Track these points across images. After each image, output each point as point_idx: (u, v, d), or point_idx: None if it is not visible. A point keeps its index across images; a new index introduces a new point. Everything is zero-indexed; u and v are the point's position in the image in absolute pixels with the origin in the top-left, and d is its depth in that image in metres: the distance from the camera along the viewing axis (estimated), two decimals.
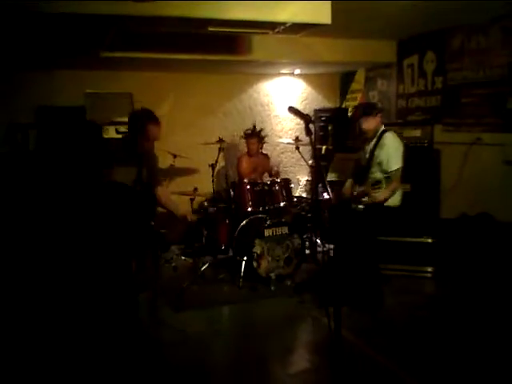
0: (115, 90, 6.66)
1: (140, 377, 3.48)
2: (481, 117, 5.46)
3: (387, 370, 3.51)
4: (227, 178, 6.29)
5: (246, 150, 6.59)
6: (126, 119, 5.99)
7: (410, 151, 4.95)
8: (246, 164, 6.52)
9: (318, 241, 6.27)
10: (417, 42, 6.33)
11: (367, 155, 4.68)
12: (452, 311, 4.42)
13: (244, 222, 5.62)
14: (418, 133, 5.92)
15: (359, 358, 3.64)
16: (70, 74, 6.39)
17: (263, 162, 6.67)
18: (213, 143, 6.18)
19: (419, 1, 4.51)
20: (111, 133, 5.77)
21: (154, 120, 3.96)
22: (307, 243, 5.97)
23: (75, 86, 6.42)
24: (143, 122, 3.89)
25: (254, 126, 6.54)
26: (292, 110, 2.69)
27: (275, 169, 6.63)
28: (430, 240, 5.40)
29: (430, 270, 5.37)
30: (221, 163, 6.68)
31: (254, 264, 5.30)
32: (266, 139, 6.71)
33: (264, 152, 6.79)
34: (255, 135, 6.45)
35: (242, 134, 6.58)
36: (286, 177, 6.33)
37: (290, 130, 7.89)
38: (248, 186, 5.70)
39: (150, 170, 4.17)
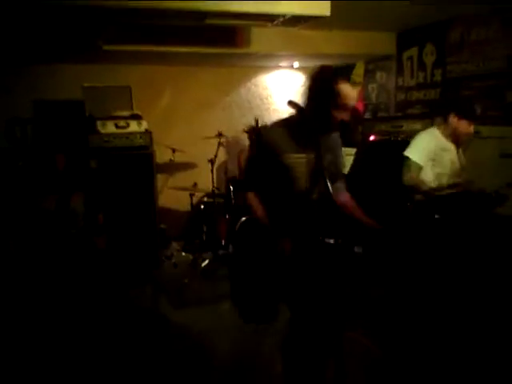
0: (114, 83, 6.63)
1: (139, 372, 3.48)
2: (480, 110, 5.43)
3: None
4: (227, 172, 6.27)
5: (246, 144, 6.57)
6: (125, 113, 6.02)
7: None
8: (245, 159, 6.48)
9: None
10: (416, 34, 6.28)
11: (455, 157, 4.26)
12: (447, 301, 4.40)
13: (244, 217, 5.59)
14: (418, 126, 5.91)
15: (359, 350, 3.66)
16: (69, 68, 6.34)
17: None
18: (212, 137, 6.15)
19: None
20: (110, 127, 5.72)
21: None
22: None
23: (74, 80, 6.38)
24: (331, 80, 2.67)
25: (257, 121, 6.50)
26: (291, 103, 2.66)
27: None
28: None
29: None
30: (220, 158, 6.66)
31: None
32: None
33: None
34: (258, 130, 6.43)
35: (244, 128, 6.56)
36: None
37: None
38: None
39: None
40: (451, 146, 4.17)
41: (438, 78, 6.02)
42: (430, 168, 4.15)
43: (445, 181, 4.16)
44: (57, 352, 3.69)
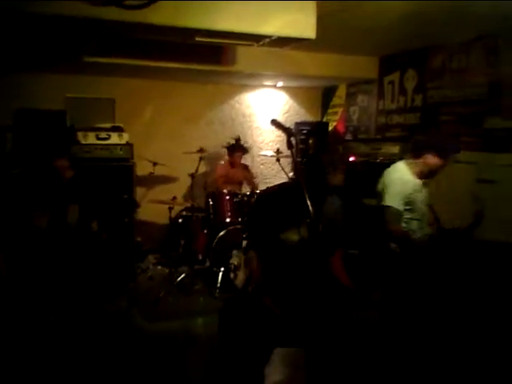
0: (98, 95, 6.61)
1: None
2: (458, 135, 5.54)
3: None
4: (206, 187, 6.29)
5: (225, 160, 6.64)
6: (107, 125, 6.00)
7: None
8: (223, 174, 6.53)
9: None
10: (398, 59, 6.42)
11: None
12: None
13: (222, 232, 5.60)
14: (396, 149, 5.99)
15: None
16: (52, 78, 6.30)
17: (242, 173, 6.69)
18: (193, 153, 6.16)
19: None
20: (91, 138, 5.68)
21: None
22: None
23: (57, 90, 6.34)
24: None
25: (239, 139, 6.59)
26: (275, 122, 2.71)
27: (255, 181, 6.69)
28: None
29: None
30: (200, 172, 6.66)
31: (231, 275, 5.26)
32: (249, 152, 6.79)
33: (244, 163, 6.82)
34: (240, 148, 6.51)
35: (225, 144, 6.62)
36: None
37: (271, 141, 7.91)
38: (227, 197, 5.70)
39: None
40: (421, 186, 3.68)
41: (418, 102, 6.15)
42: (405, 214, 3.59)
43: (414, 227, 3.63)
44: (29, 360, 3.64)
